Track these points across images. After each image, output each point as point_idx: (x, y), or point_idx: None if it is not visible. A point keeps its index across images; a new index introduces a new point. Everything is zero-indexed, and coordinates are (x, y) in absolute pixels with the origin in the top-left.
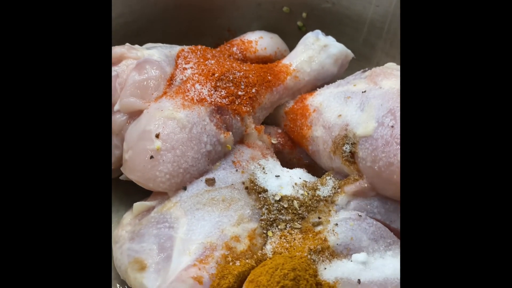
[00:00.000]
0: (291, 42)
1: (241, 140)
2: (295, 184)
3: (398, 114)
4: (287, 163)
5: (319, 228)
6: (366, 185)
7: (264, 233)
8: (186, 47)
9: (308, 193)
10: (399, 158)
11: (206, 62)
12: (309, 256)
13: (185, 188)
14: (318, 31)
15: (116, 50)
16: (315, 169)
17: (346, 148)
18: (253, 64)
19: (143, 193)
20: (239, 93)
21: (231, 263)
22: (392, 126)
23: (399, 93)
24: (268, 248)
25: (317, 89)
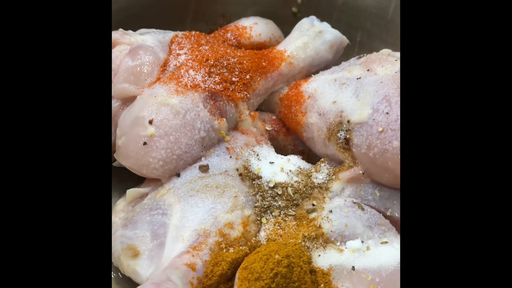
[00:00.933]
0: (286, 28)
1: (235, 126)
2: (290, 170)
3: (393, 100)
4: (282, 150)
5: (313, 215)
6: (360, 172)
7: (258, 220)
8: (180, 33)
9: (302, 180)
10: (394, 145)
11: (200, 48)
12: (303, 243)
13: (178, 175)
14: (313, 17)
15: None
16: (310, 156)
17: (341, 134)
18: (248, 50)
19: (137, 180)
20: (233, 79)
21: (224, 250)
22: (387, 113)
23: (394, 80)
24: (262, 235)
25: (312, 75)
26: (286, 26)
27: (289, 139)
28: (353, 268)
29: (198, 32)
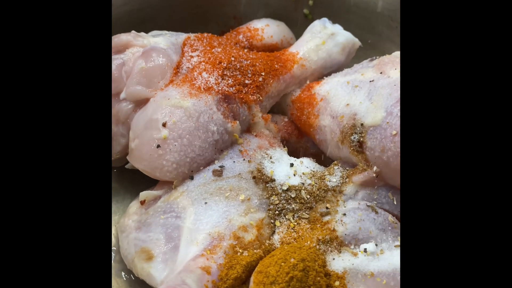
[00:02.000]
0: (298, 30)
1: (247, 129)
2: (303, 173)
3: None
4: (294, 152)
5: (327, 218)
6: (374, 175)
7: (271, 223)
8: (192, 35)
9: (315, 183)
10: None
11: (213, 50)
12: (317, 247)
13: (192, 178)
14: (325, 19)
15: (122, 38)
16: (322, 159)
17: (354, 137)
18: (260, 52)
19: (150, 182)
20: (246, 81)
21: (239, 253)
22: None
23: None
24: (276, 238)
25: (324, 77)
26: (297, 28)
27: (301, 141)
28: (367, 271)
29: (210, 34)
